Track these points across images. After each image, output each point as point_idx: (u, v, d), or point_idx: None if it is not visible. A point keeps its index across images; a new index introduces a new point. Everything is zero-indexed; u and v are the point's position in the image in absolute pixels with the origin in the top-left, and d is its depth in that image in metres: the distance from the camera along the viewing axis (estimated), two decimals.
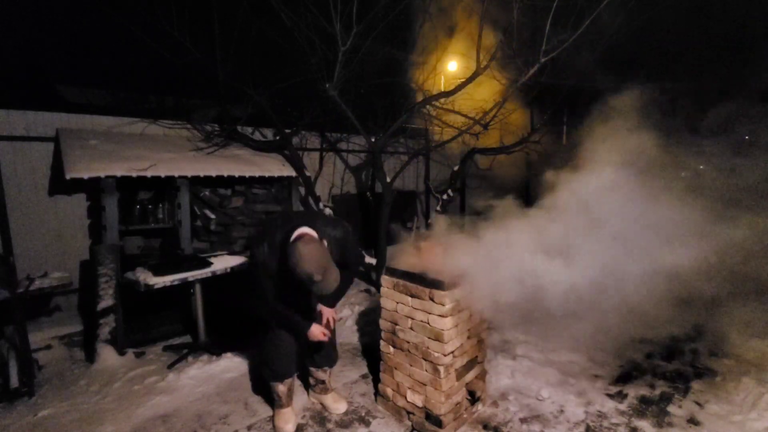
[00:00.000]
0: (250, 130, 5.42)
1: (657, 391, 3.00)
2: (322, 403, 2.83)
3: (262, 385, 3.05)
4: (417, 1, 4.58)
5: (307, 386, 2.93)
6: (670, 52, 6.20)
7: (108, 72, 5.28)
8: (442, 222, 3.05)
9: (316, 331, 2.42)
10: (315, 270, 1.92)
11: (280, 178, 5.07)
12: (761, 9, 5.79)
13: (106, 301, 3.50)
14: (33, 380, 3.04)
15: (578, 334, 3.91)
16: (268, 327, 2.54)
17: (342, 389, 3.04)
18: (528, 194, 10.30)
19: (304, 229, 2.15)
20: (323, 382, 2.80)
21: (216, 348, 3.55)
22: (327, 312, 2.60)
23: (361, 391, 3.02)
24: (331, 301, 2.59)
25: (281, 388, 2.58)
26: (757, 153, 2.89)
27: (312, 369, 2.79)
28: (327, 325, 2.57)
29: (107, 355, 3.40)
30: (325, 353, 2.74)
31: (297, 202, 5.25)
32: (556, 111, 6.43)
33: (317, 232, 2.18)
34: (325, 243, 2.17)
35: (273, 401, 2.65)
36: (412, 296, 2.51)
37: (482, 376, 2.82)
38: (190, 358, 3.47)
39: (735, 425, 2.60)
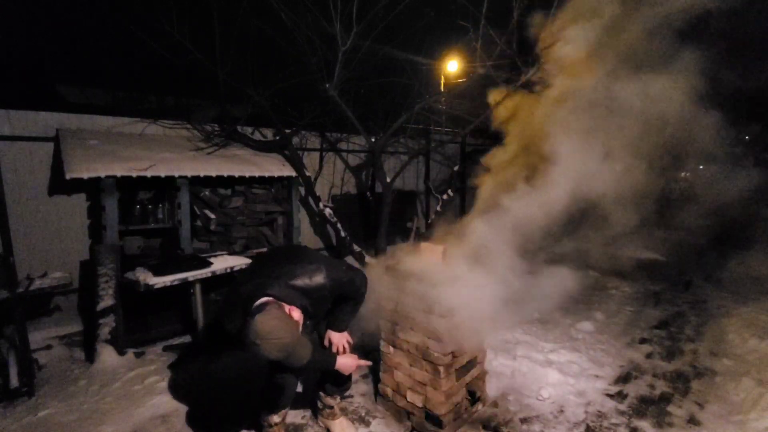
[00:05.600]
0: (250, 130, 5.42)
1: (657, 391, 3.01)
2: (329, 429, 2.59)
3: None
4: None
5: (315, 409, 2.69)
6: None
7: (108, 72, 5.28)
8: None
9: (349, 362, 2.15)
10: (276, 353, 1.67)
11: (280, 178, 5.07)
12: None
13: (106, 301, 3.50)
14: (33, 380, 3.04)
15: (578, 335, 3.92)
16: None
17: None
18: None
19: (264, 299, 1.81)
20: (331, 407, 2.55)
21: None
22: (337, 339, 2.28)
23: (361, 391, 3.02)
24: (342, 325, 2.27)
25: (275, 418, 2.34)
26: None
27: (321, 394, 2.53)
28: (360, 366, 2.29)
29: (107, 355, 3.40)
30: (340, 382, 2.45)
31: (297, 202, 5.25)
32: None
33: (281, 297, 1.84)
34: (295, 313, 1.85)
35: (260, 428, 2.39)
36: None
37: (482, 376, 2.82)
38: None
39: (735, 425, 2.60)
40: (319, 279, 1.98)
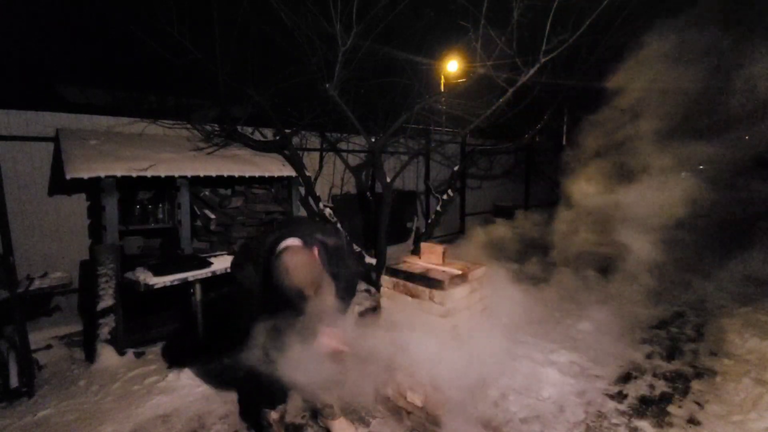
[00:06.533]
0: (250, 130, 5.42)
1: (657, 391, 3.01)
2: (328, 429, 2.57)
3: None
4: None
5: (315, 408, 2.69)
6: None
7: (108, 72, 5.27)
8: None
9: (327, 341, 2.06)
10: (305, 283, 1.72)
11: (280, 178, 5.07)
12: None
13: (106, 301, 3.50)
14: (33, 380, 3.04)
15: (579, 335, 3.92)
16: (262, 350, 2.23)
17: None
18: (527, 194, 10.30)
19: (290, 241, 1.90)
20: (331, 407, 2.54)
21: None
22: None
23: (361, 391, 3.01)
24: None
25: (273, 415, 2.34)
26: None
27: (320, 393, 2.51)
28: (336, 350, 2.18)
29: (107, 355, 3.40)
30: (337, 376, 2.38)
31: (297, 202, 5.25)
32: (556, 111, 6.44)
33: (305, 241, 1.94)
34: (316, 252, 1.94)
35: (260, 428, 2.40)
36: (412, 296, 2.51)
37: (482, 376, 2.81)
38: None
39: (735, 425, 2.60)
40: (336, 238, 2.08)
